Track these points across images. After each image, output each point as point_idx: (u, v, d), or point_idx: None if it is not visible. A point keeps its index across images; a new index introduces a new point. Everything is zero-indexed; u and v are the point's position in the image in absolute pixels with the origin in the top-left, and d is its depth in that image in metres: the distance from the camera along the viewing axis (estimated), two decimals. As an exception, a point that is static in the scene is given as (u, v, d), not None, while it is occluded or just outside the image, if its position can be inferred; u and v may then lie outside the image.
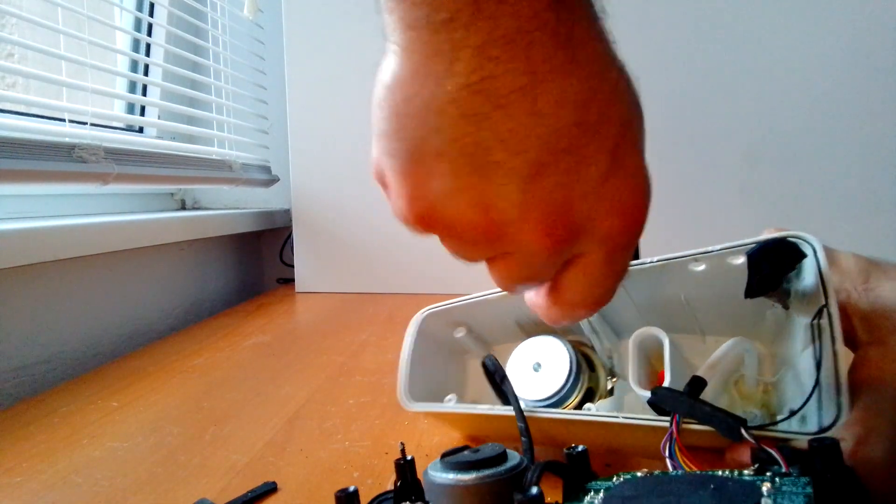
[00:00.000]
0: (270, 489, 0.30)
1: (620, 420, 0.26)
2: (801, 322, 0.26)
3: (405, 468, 0.23)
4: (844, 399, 0.22)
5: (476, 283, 0.92)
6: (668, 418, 0.24)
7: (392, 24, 0.20)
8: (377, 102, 0.21)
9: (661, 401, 0.24)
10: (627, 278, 0.32)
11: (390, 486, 0.30)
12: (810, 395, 0.23)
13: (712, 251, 0.29)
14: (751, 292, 0.26)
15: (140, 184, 0.78)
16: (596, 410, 0.31)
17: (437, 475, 0.21)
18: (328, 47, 0.84)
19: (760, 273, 0.25)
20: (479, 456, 0.21)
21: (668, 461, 0.22)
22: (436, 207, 0.20)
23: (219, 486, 0.31)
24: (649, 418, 0.25)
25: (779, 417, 0.25)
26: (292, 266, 0.92)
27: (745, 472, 0.19)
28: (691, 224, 0.76)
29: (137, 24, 0.85)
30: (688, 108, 0.75)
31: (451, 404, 0.33)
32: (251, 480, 0.31)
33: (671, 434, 0.23)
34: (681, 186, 0.76)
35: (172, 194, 0.96)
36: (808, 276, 0.26)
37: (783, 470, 0.19)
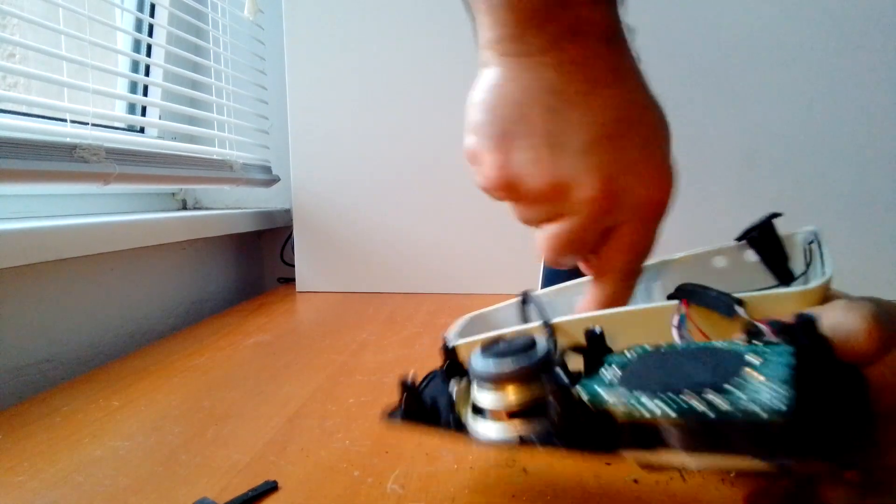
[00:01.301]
0: (271, 488, 0.30)
1: (640, 307, 0.29)
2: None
3: (451, 352, 0.30)
4: (829, 267, 0.26)
5: (477, 283, 0.91)
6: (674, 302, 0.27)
7: (490, 47, 0.29)
8: (477, 100, 0.29)
9: (679, 292, 0.27)
10: (655, 273, 0.38)
11: (391, 482, 0.30)
12: (805, 272, 0.30)
13: (732, 244, 0.36)
14: (738, 237, 0.34)
15: (141, 184, 0.78)
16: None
17: (479, 363, 0.25)
18: (328, 47, 0.85)
19: (751, 230, 0.34)
20: (513, 346, 0.24)
21: (674, 332, 0.26)
22: (517, 173, 0.28)
23: (220, 484, 0.31)
24: (666, 302, 0.28)
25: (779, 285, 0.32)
26: (293, 265, 0.92)
27: (738, 341, 0.22)
28: (692, 226, 0.75)
29: (138, 25, 0.86)
30: (688, 109, 0.75)
31: (479, 335, 0.34)
32: (252, 479, 0.31)
33: (680, 309, 0.26)
34: (681, 188, 0.76)
35: (173, 194, 0.96)
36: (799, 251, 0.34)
37: (771, 339, 0.22)
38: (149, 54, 0.90)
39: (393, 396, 0.45)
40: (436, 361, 0.38)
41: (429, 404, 0.28)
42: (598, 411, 0.21)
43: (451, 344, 0.34)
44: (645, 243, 0.30)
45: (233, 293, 0.95)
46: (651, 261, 0.39)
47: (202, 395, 0.45)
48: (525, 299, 0.37)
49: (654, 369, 0.22)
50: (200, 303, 0.85)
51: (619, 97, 0.27)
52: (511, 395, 0.24)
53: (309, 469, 0.33)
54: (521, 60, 0.28)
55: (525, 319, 0.38)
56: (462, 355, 0.32)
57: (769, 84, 0.74)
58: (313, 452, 0.35)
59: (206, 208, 1.00)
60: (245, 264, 1.01)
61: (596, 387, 0.22)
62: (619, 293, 0.31)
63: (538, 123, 0.27)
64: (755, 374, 0.19)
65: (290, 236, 0.98)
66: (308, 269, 0.89)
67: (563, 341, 0.30)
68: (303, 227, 0.89)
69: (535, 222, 0.30)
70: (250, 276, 1.03)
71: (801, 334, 0.21)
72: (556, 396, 0.22)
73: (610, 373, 0.23)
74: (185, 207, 0.98)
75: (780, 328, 0.22)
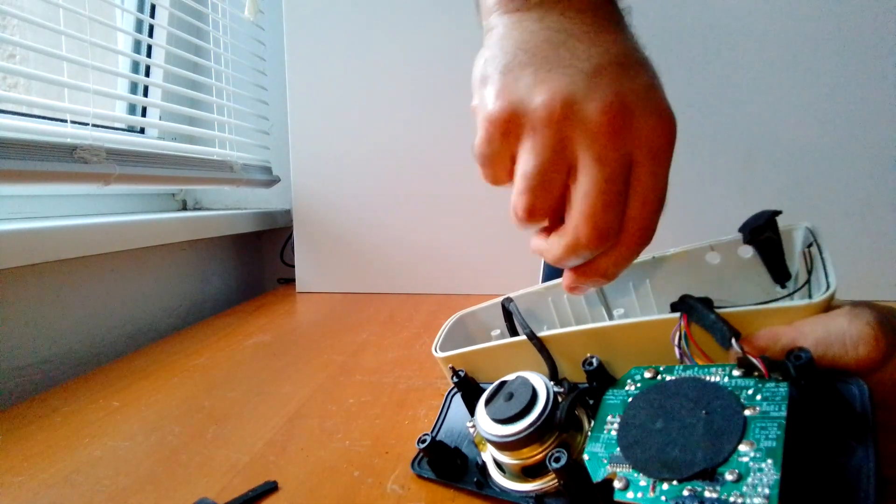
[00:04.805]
0: (271, 488, 0.30)
1: (643, 319, 0.28)
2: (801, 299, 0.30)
3: (463, 382, 0.32)
4: (832, 278, 0.26)
5: (476, 284, 0.91)
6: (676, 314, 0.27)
7: (493, 11, 0.31)
8: (481, 56, 0.30)
9: (680, 304, 0.27)
10: (647, 271, 0.38)
11: (391, 483, 0.30)
12: (807, 281, 0.30)
13: (725, 240, 0.35)
14: (746, 240, 0.34)
15: (141, 184, 0.78)
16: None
17: (486, 424, 0.27)
18: (328, 48, 0.85)
19: (751, 225, 0.34)
20: (515, 408, 0.26)
21: (676, 350, 0.26)
22: (521, 98, 0.27)
23: (219, 485, 0.31)
24: (664, 315, 0.28)
25: (779, 296, 0.32)
26: (293, 266, 0.92)
27: (735, 372, 0.23)
28: (692, 226, 0.76)
29: (139, 26, 0.86)
30: (687, 109, 0.75)
31: (471, 346, 0.35)
32: (252, 479, 0.31)
33: (680, 326, 0.26)
34: (681, 188, 0.76)
35: (174, 195, 0.96)
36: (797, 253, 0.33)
37: (764, 376, 0.22)
38: (149, 55, 0.90)
39: (392, 396, 0.45)
40: (434, 363, 0.38)
41: (452, 451, 0.30)
42: (602, 482, 0.23)
43: (436, 355, 0.36)
44: (662, 188, 0.27)
45: (233, 293, 0.95)
46: (645, 257, 0.39)
47: (202, 395, 0.45)
48: (506, 307, 0.37)
49: (651, 424, 0.23)
50: (200, 303, 0.85)
51: (623, 40, 0.28)
52: (522, 454, 0.26)
53: (309, 469, 0.33)
54: (525, 13, 0.29)
55: (510, 327, 0.38)
56: (454, 364, 0.33)
57: (769, 84, 0.74)
58: (313, 452, 0.35)
59: (207, 209, 1.00)
60: (245, 265, 1.01)
61: (597, 452, 0.24)
62: (631, 256, 0.28)
63: (545, 53, 0.27)
64: (749, 446, 0.20)
65: (290, 237, 0.98)
66: (308, 270, 0.89)
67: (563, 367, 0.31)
68: (303, 228, 0.89)
69: (545, 169, 0.27)
70: (250, 276, 1.03)
71: (795, 374, 0.21)
72: (560, 474, 0.23)
73: (612, 426, 0.24)
74: (185, 208, 0.98)
75: (772, 365, 0.22)
